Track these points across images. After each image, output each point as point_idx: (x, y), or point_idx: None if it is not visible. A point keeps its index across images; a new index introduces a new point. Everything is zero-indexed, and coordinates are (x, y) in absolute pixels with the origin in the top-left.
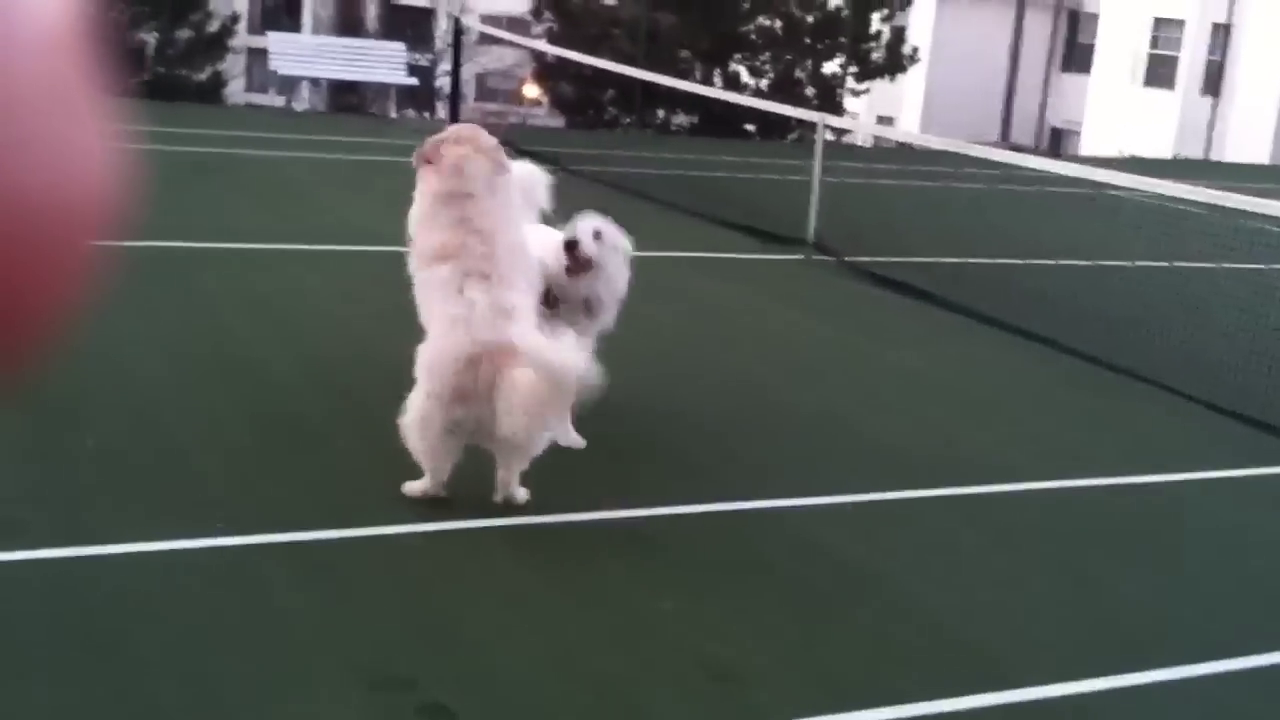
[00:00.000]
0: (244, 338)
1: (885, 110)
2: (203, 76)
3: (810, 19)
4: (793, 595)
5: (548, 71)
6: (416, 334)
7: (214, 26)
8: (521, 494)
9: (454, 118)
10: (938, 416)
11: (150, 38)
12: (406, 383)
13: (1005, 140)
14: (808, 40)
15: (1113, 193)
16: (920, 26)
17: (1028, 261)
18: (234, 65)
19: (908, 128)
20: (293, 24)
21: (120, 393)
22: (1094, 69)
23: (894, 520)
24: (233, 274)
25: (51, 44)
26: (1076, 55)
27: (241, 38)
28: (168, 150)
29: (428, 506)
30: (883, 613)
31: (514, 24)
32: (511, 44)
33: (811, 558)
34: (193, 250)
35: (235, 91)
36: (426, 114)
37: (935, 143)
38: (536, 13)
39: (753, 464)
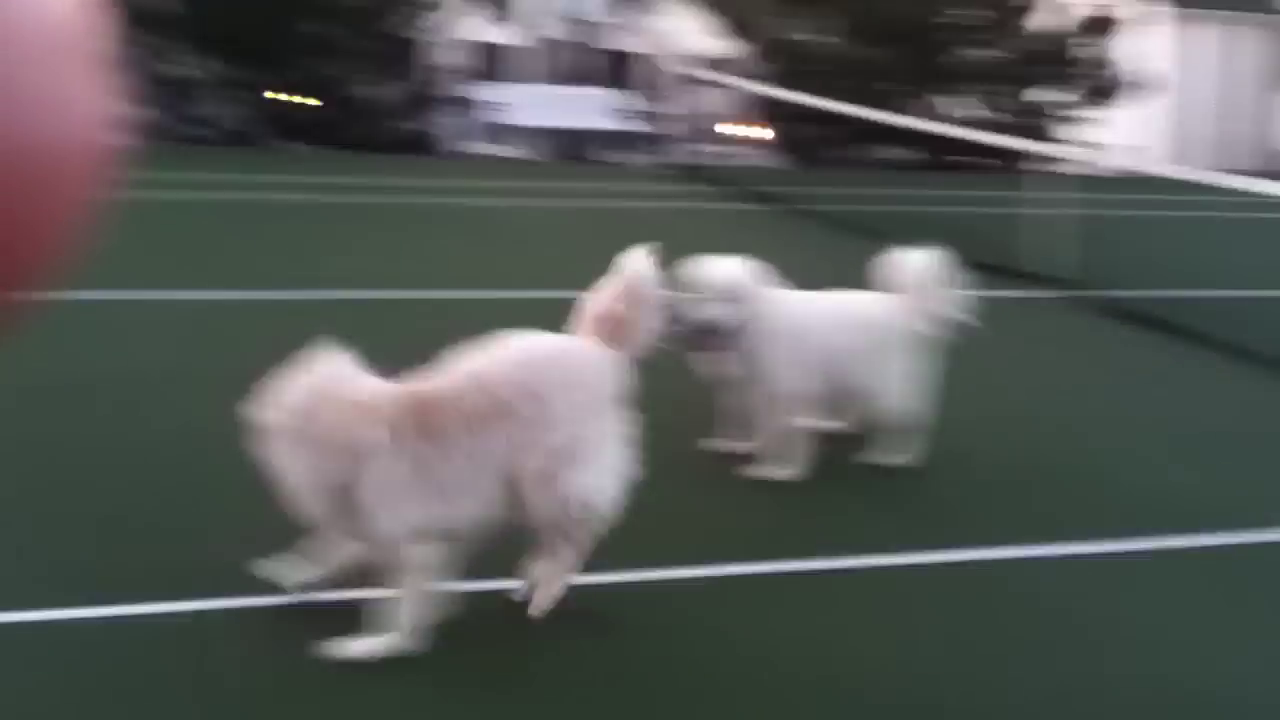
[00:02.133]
0: None
1: (1123, 139)
2: (422, 128)
3: (1039, 49)
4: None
5: (769, 112)
6: (658, 384)
7: (433, 80)
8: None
9: (674, 160)
10: (1204, 460)
11: (367, 92)
12: (670, 429)
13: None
14: (1036, 69)
15: None
16: (1160, 49)
17: None
18: (448, 116)
19: (1152, 155)
20: (508, 74)
21: None
22: None
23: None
24: (468, 316)
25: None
26: None
27: (455, 89)
28: (387, 203)
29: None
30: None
31: (731, 66)
32: (723, 86)
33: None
34: (430, 300)
35: (449, 141)
36: (642, 158)
37: (1182, 173)
38: (755, 54)
39: (999, 512)
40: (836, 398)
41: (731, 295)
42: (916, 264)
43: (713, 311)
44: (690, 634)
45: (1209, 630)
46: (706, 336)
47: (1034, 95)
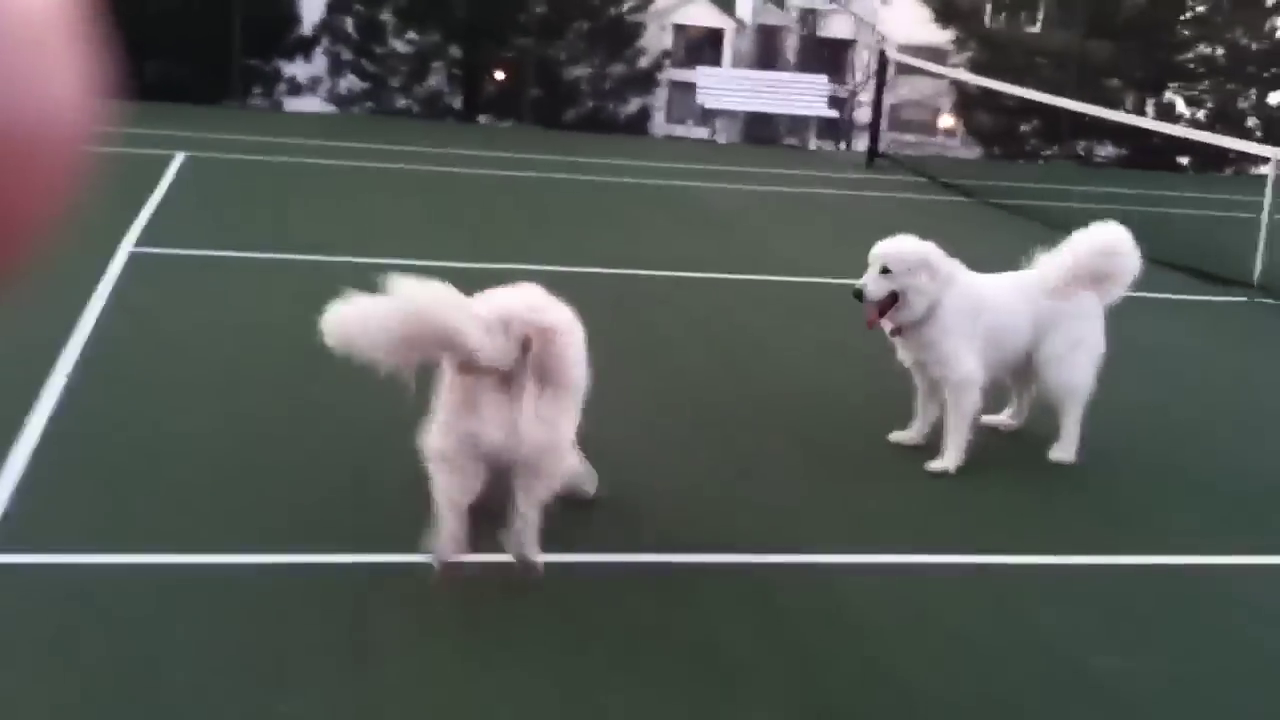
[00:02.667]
0: (688, 364)
1: None
2: (631, 109)
3: (1255, 46)
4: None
5: (968, 102)
6: (848, 371)
7: (645, 62)
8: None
9: (873, 148)
10: None
11: (585, 73)
12: (849, 418)
13: None
14: (1252, 69)
15: None
16: None
17: None
18: (657, 98)
19: None
20: (714, 58)
21: None
22: None
23: None
24: (671, 298)
25: None
26: None
27: (665, 72)
28: (600, 181)
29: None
30: None
31: (932, 54)
32: (933, 75)
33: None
34: (637, 277)
35: (656, 124)
36: (842, 145)
37: None
38: (960, 43)
39: (1181, 517)
40: (1010, 376)
41: (910, 268)
42: (1089, 238)
43: (892, 284)
44: (854, 616)
45: None
46: (889, 310)
47: (1264, 95)
